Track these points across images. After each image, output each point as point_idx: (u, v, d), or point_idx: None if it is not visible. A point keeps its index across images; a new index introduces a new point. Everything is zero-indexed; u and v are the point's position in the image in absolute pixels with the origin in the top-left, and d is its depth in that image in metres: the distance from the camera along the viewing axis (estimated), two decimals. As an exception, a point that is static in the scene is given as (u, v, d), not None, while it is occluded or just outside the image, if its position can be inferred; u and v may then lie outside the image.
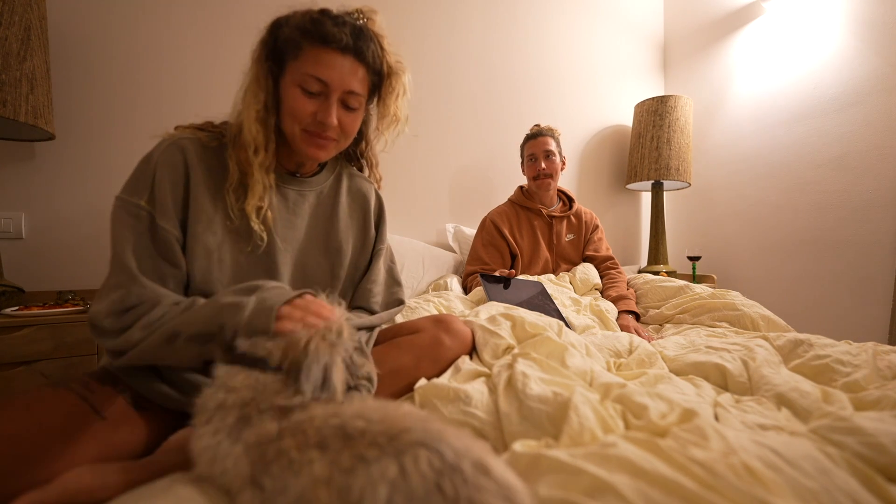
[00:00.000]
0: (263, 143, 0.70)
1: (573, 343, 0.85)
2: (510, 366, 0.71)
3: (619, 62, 2.51)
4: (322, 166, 0.85)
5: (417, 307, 1.20)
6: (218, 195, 0.71)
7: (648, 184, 2.33)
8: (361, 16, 0.73)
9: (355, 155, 0.91)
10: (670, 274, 2.11)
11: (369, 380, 0.66)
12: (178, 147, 0.69)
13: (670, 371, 0.87)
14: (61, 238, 1.34)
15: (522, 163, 1.76)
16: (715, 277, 2.13)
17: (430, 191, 1.98)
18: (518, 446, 0.51)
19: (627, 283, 1.64)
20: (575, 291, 1.53)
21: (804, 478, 0.42)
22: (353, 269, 0.88)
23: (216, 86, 1.48)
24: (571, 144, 2.31)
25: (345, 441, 0.40)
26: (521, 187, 1.77)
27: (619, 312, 1.42)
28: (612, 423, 0.56)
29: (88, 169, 1.37)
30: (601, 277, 1.65)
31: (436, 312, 1.17)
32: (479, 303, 1.28)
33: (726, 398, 0.72)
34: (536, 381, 0.65)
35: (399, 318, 1.08)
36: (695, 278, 2.11)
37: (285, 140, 0.75)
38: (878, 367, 0.79)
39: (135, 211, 0.65)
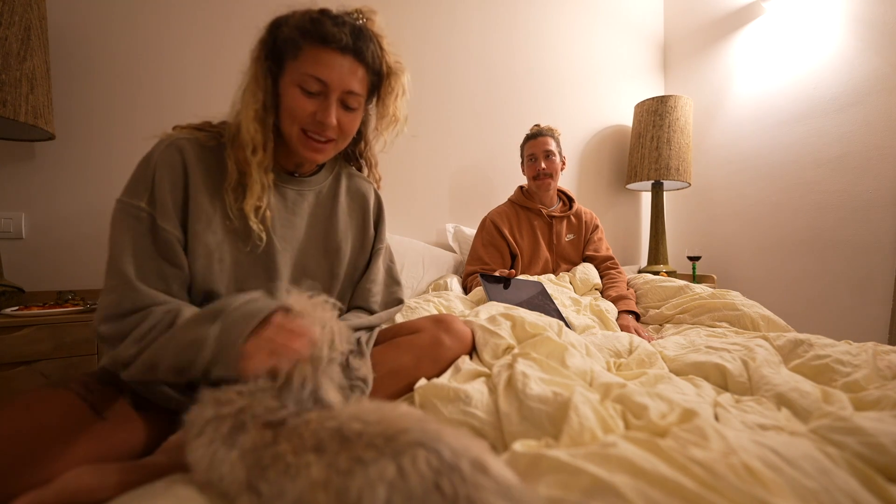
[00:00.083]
0: (262, 143, 0.70)
1: (573, 343, 0.85)
2: (510, 366, 0.71)
3: (619, 62, 2.51)
4: (321, 166, 0.85)
5: (417, 307, 1.20)
6: (216, 195, 0.71)
7: (648, 184, 2.33)
8: (361, 16, 0.73)
9: (354, 155, 0.91)
10: (670, 274, 2.10)
11: (364, 381, 0.66)
12: (177, 147, 0.69)
13: (670, 371, 0.87)
14: (61, 238, 1.34)
15: (522, 163, 1.76)
16: (715, 277, 2.13)
17: (430, 191, 1.98)
18: (518, 446, 0.51)
19: (627, 283, 1.64)
20: (575, 291, 1.53)
21: (804, 478, 0.42)
22: (352, 269, 0.88)
23: (216, 85, 1.48)
24: (571, 144, 2.31)
25: (342, 443, 0.40)
26: (521, 187, 1.77)
27: (619, 312, 1.42)
28: (612, 423, 0.56)
29: (88, 169, 1.37)
30: (601, 277, 1.65)
31: (436, 312, 1.17)
32: (479, 303, 1.28)
33: (726, 398, 0.72)
34: (536, 381, 0.65)
35: (399, 318, 1.08)
36: (695, 278, 2.11)
37: (284, 140, 0.75)
38: (878, 367, 0.79)
39: (135, 213, 0.65)
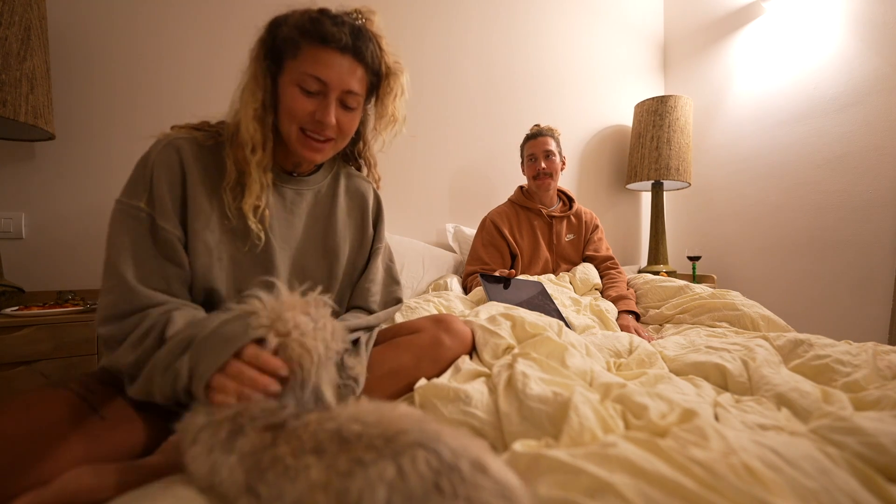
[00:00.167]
0: (261, 142, 0.70)
1: (573, 343, 0.85)
2: (510, 366, 0.70)
3: (619, 62, 2.51)
4: (319, 166, 0.85)
5: (417, 307, 1.20)
6: (214, 194, 0.71)
7: (648, 184, 2.33)
8: (360, 16, 0.73)
9: (353, 155, 0.91)
10: (670, 274, 2.10)
11: (356, 381, 0.66)
12: (174, 147, 0.69)
13: (670, 371, 0.87)
14: (61, 238, 1.34)
15: (522, 163, 1.76)
16: (715, 277, 2.13)
17: (430, 191, 1.98)
18: (518, 446, 0.50)
19: (627, 283, 1.64)
20: (575, 291, 1.53)
21: (804, 478, 0.42)
22: (351, 269, 0.88)
23: (216, 85, 1.48)
24: (571, 144, 2.31)
25: (341, 445, 0.40)
26: (521, 187, 1.77)
27: (619, 312, 1.42)
28: (612, 423, 0.56)
29: (88, 169, 1.37)
30: (601, 277, 1.65)
31: (436, 312, 1.17)
32: (479, 303, 1.28)
33: (726, 398, 0.71)
34: (536, 381, 0.64)
35: (399, 318, 1.08)
36: (695, 278, 2.11)
37: (282, 139, 0.75)
38: (878, 367, 0.79)
39: (135, 213, 0.65)
